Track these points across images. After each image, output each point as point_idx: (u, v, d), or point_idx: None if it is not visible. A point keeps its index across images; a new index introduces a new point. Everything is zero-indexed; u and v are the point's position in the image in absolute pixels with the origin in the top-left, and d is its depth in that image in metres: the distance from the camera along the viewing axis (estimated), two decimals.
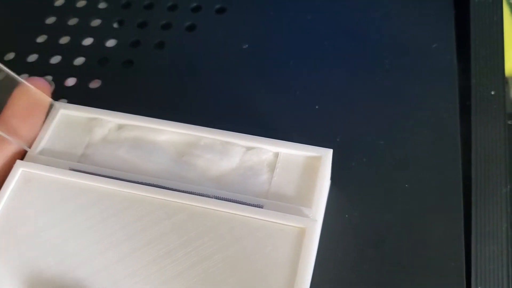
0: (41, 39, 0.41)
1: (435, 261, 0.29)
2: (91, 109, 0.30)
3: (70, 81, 0.38)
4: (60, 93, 0.37)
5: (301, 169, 0.28)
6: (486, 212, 0.30)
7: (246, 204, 0.26)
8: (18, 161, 0.29)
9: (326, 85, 0.36)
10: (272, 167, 0.28)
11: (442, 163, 0.32)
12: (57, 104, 0.31)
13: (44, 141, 0.30)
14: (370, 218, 0.30)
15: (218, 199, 0.27)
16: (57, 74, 0.38)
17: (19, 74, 0.38)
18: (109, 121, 0.30)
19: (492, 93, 0.34)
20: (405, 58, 0.36)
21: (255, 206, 0.26)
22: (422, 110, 0.34)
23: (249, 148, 0.29)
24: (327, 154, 0.28)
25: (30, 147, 0.29)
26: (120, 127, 0.30)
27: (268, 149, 0.28)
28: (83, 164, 0.29)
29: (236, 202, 0.26)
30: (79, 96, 0.36)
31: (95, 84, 0.38)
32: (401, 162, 0.32)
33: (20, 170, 0.28)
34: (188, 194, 0.27)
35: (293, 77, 0.36)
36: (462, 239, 0.29)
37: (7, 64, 0.39)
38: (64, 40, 0.41)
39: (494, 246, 0.29)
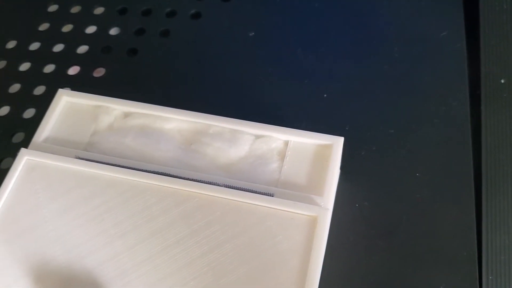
0: (43, 27, 0.40)
1: (447, 251, 0.28)
2: (97, 97, 0.30)
3: (73, 70, 0.37)
4: (63, 82, 0.36)
5: (312, 158, 0.27)
6: (497, 201, 0.30)
7: (256, 193, 0.26)
8: (23, 149, 0.28)
9: (334, 73, 0.35)
10: (282, 155, 0.28)
11: (453, 152, 0.31)
12: (60, 91, 0.30)
13: (48, 128, 0.29)
14: (380, 207, 0.30)
15: (228, 187, 0.26)
16: (60, 63, 0.38)
17: (20, 62, 0.38)
18: (115, 108, 0.30)
19: (502, 81, 0.34)
20: (414, 47, 0.36)
21: (266, 195, 0.26)
22: (431, 99, 0.33)
23: (258, 136, 0.28)
24: (338, 142, 0.27)
25: None
26: (126, 115, 0.30)
27: (278, 137, 0.28)
28: (90, 152, 0.28)
29: (246, 191, 0.26)
30: (83, 85, 0.36)
31: (98, 72, 0.37)
32: (412, 151, 0.31)
33: (24, 159, 0.28)
34: (197, 183, 0.26)
35: (300, 65, 0.36)
36: (474, 229, 0.29)
37: (8, 52, 0.39)
38: (67, 28, 0.40)
39: (505, 236, 0.29)
